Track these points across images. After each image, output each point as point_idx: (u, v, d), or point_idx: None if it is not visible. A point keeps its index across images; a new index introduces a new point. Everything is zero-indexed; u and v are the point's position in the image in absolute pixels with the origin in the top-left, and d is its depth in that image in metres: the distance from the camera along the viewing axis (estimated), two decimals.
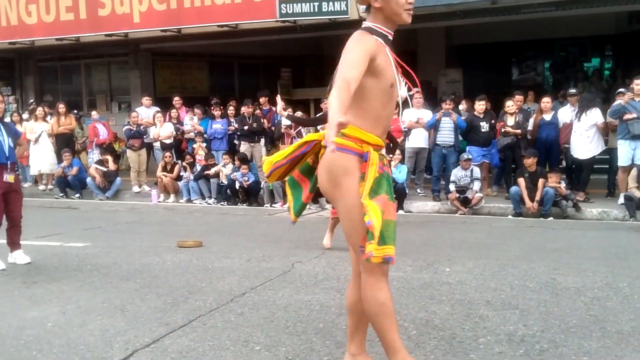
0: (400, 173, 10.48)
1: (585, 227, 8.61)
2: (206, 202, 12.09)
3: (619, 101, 9.90)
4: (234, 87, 18.44)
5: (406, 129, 11.00)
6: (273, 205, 11.32)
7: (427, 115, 11.31)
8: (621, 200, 9.58)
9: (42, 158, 13.66)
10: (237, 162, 11.73)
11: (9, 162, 6.25)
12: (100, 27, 14.31)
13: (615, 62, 16.99)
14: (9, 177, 6.23)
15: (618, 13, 14.42)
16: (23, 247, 6.46)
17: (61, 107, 14.15)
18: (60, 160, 13.41)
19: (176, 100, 14.14)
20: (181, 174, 12.58)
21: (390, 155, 9.38)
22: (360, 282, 2.98)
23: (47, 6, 14.65)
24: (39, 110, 13.92)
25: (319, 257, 6.37)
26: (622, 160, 9.77)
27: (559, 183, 9.73)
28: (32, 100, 17.11)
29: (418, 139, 11.14)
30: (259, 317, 4.32)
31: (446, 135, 10.80)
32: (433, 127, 10.93)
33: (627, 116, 9.58)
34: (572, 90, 11.23)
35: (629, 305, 4.51)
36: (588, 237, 7.77)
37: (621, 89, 10.41)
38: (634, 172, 9.40)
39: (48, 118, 14.15)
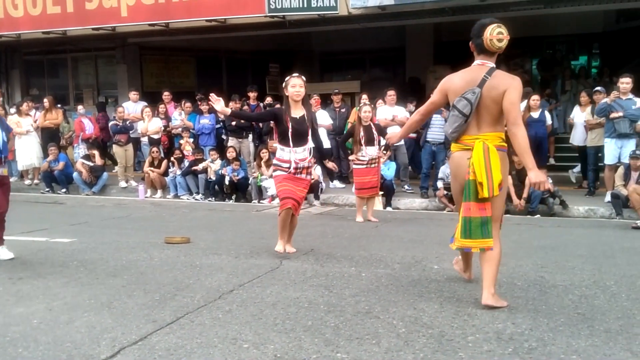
0: (388, 170, 10.49)
1: (572, 225, 8.66)
2: (193, 197, 12.03)
3: (605, 99, 9.97)
4: (222, 82, 18.35)
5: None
6: (261, 201, 11.30)
7: (401, 112, 11.38)
8: (608, 198, 9.65)
9: (30, 152, 13.54)
10: (228, 156, 11.70)
11: (2, 155, 6.21)
12: (87, 20, 14.21)
13: (603, 61, 17.06)
14: (3, 171, 6.21)
15: (606, 11, 14.51)
16: (8, 243, 6.37)
17: (47, 101, 14.05)
18: (46, 155, 13.30)
19: (166, 95, 14.07)
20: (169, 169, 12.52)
21: (384, 152, 9.42)
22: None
23: None
24: (24, 105, 13.79)
25: (307, 254, 6.35)
26: (609, 158, 9.85)
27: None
28: (19, 100, 16.98)
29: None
30: (247, 314, 4.30)
31: (436, 132, 10.80)
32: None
33: (613, 114, 9.64)
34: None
35: (616, 303, 4.54)
36: (575, 234, 7.81)
37: (598, 88, 10.56)
38: (620, 170, 9.46)
39: (32, 112, 14.02)
